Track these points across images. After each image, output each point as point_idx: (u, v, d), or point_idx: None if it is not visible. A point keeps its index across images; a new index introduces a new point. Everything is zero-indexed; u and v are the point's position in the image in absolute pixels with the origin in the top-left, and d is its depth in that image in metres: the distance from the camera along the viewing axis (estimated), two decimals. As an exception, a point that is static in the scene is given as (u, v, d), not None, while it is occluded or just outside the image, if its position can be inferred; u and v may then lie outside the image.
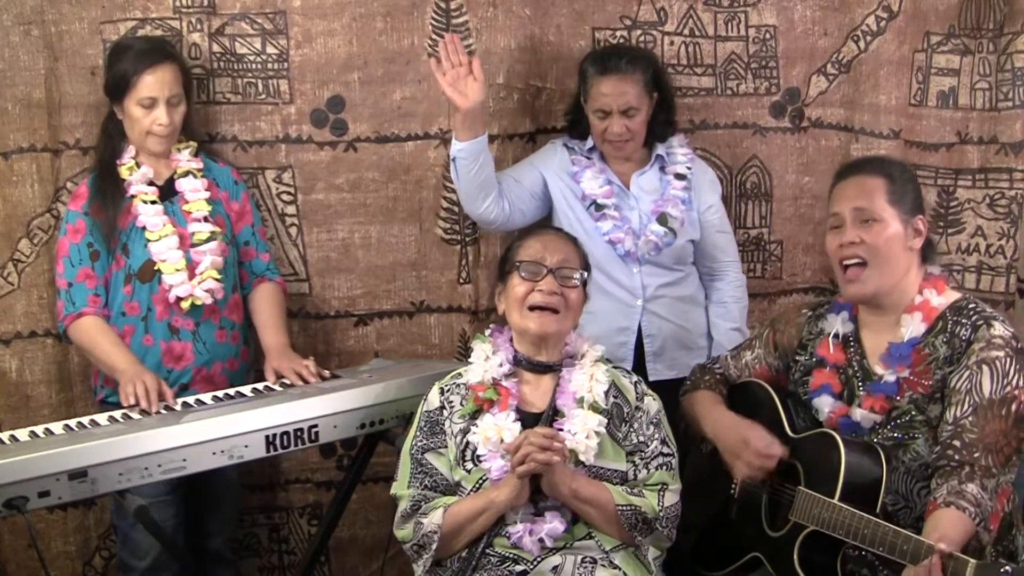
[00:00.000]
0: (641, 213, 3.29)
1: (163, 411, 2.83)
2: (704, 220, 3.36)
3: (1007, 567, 2.15)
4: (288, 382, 3.04)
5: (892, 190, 2.63)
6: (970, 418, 2.48)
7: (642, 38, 3.44)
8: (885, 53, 3.45)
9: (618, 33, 3.44)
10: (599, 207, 3.27)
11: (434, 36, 3.34)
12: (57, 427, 2.76)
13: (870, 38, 3.45)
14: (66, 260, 3.06)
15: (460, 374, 2.74)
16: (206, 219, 3.13)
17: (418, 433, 2.69)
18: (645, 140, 3.32)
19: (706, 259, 3.40)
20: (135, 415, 2.82)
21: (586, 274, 2.74)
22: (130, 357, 2.99)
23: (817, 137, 3.55)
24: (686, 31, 3.46)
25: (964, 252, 3.47)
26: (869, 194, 2.62)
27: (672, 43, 3.45)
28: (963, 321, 2.58)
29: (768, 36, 3.48)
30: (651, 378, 3.23)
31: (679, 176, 3.32)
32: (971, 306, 2.62)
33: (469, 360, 2.74)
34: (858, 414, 2.64)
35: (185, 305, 3.06)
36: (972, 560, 2.20)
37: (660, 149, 3.34)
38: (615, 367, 2.77)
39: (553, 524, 2.54)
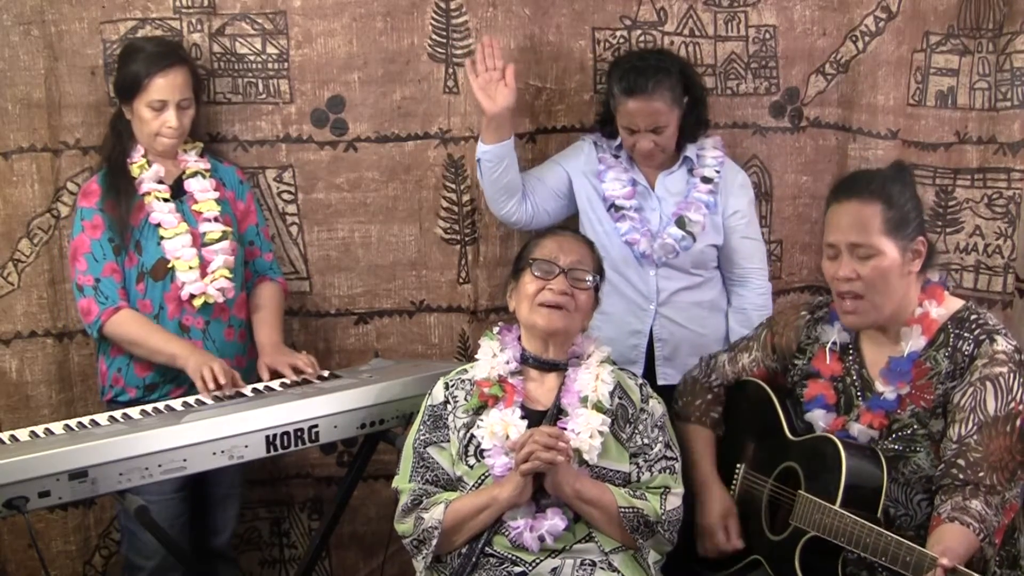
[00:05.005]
0: (662, 215, 3.25)
1: (163, 411, 2.84)
2: (728, 225, 3.27)
3: None
4: (288, 382, 3.04)
5: (889, 217, 2.52)
6: (975, 436, 2.45)
7: (642, 38, 3.44)
8: (883, 53, 3.44)
9: (618, 33, 3.43)
10: (618, 208, 3.24)
11: (434, 36, 3.34)
12: (57, 427, 2.76)
13: (868, 38, 3.45)
14: (88, 257, 3.04)
15: (466, 370, 2.75)
16: (216, 219, 3.14)
17: (421, 427, 2.69)
18: (676, 141, 3.25)
19: (729, 264, 3.32)
20: (135, 415, 2.82)
21: (599, 278, 2.75)
22: (185, 342, 3.02)
23: (815, 137, 3.54)
24: (686, 31, 3.46)
25: (962, 252, 3.47)
26: (865, 227, 2.52)
27: (672, 43, 3.44)
28: (965, 335, 2.53)
29: (768, 36, 3.48)
30: (660, 382, 3.20)
31: (705, 179, 3.25)
32: (972, 317, 2.57)
33: (476, 358, 2.74)
34: (855, 429, 2.60)
35: (197, 303, 3.07)
36: (975, 575, 2.19)
37: (689, 151, 3.28)
38: (621, 369, 2.77)
39: (554, 521, 2.54)
